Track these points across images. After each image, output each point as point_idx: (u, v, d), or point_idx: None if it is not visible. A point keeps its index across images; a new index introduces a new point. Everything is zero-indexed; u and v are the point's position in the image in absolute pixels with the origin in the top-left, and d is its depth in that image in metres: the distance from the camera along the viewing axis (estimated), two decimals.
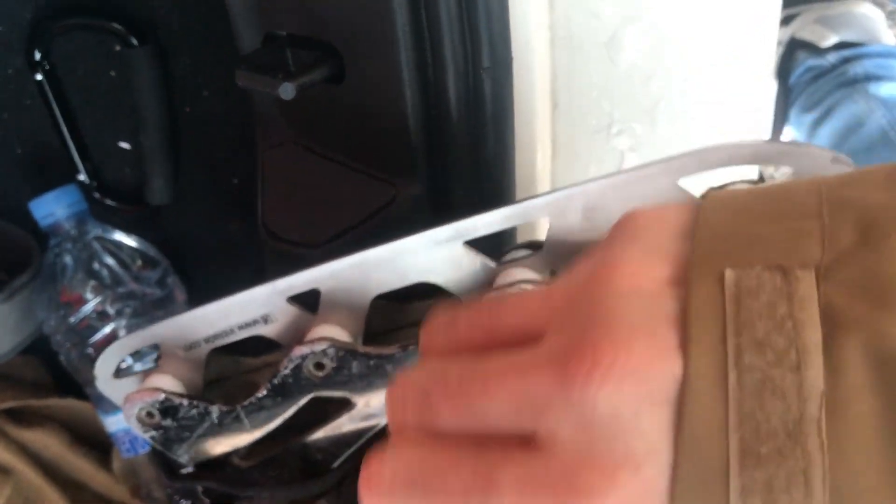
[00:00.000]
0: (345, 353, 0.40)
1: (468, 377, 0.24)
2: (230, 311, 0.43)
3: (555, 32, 0.46)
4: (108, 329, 0.67)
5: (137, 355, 0.48)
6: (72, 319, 0.67)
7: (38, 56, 0.65)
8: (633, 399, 0.21)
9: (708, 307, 0.21)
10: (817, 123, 1.14)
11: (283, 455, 0.46)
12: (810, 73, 1.18)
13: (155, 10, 0.63)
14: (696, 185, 0.36)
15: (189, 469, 0.46)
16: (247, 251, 0.73)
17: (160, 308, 0.71)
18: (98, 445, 0.78)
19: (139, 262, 0.71)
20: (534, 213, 0.38)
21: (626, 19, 0.46)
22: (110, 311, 0.68)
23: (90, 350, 0.68)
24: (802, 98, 1.17)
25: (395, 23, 0.42)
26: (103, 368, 0.46)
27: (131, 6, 0.62)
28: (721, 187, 0.34)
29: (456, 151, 0.45)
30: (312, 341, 0.40)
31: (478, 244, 0.39)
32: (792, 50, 1.20)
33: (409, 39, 0.42)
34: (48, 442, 0.76)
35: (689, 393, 0.21)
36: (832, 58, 1.16)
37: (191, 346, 0.44)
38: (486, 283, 0.40)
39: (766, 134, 0.56)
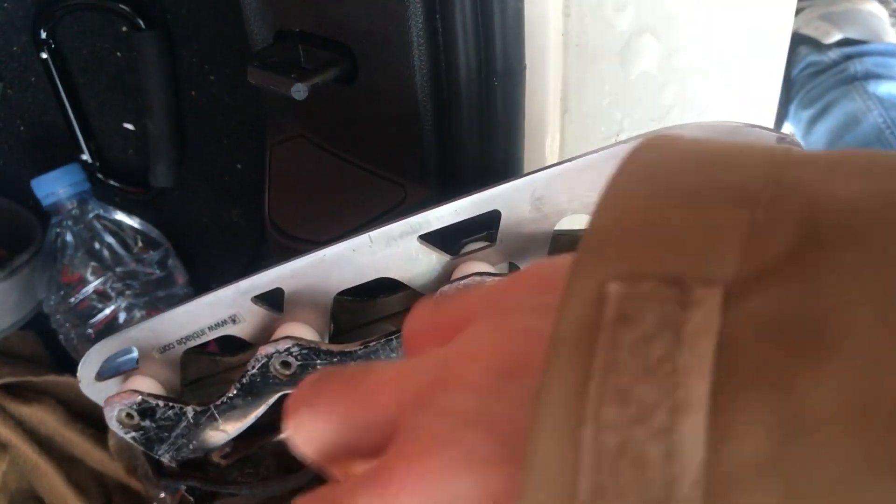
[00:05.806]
0: (308, 351, 0.41)
1: None
2: (199, 313, 0.43)
3: (569, 40, 0.46)
4: (108, 310, 0.68)
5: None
6: (72, 300, 0.67)
7: (43, 34, 0.65)
8: None
9: (576, 335, 0.15)
10: (814, 120, 1.15)
11: (260, 453, 0.47)
12: (811, 69, 1.18)
13: None
14: None
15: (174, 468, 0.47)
16: (248, 236, 0.73)
17: (161, 289, 0.71)
18: (94, 422, 0.78)
19: (140, 243, 0.71)
20: (483, 205, 0.39)
21: (640, 29, 0.46)
22: (111, 291, 0.68)
23: (90, 331, 0.68)
24: (801, 94, 1.17)
25: (410, 26, 0.42)
26: (85, 372, 0.46)
27: None
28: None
29: (466, 154, 0.45)
30: (277, 341, 0.41)
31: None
32: (794, 45, 1.20)
33: (424, 43, 0.42)
34: (45, 418, 0.76)
35: (530, 454, 0.15)
36: (833, 54, 1.16)
37: (165, 348, 0.45)
38: (443, 277, 0.41)
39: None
